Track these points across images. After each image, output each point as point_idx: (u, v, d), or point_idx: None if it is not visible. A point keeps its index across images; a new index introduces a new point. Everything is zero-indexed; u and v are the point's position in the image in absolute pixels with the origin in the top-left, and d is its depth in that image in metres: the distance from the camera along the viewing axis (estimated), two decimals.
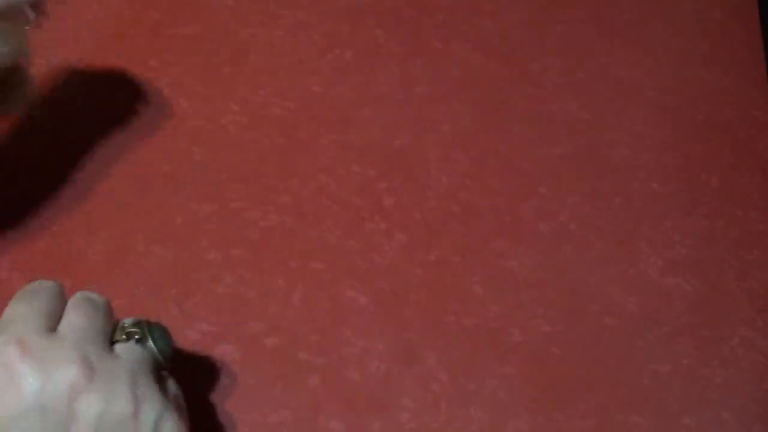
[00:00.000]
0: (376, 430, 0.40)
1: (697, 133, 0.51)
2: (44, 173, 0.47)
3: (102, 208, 0.46)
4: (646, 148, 0.50)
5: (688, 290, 0.45)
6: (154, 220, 0.45)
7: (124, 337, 0.33)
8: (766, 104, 0.52)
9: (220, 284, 0.43)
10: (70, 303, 0.33)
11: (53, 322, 0.32)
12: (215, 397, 0.40)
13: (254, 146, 0.48)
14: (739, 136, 0.51)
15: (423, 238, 0.46)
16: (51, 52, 0.51)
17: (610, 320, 0.44)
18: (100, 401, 0.30)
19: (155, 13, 0.54)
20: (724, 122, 0.51)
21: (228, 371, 0.41)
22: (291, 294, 0.43)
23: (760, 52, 0.54)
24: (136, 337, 0.33)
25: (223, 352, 0.41)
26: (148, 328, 0.34)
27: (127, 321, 0.34)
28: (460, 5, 0.55)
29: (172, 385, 0.34)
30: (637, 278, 0.45)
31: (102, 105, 0.49)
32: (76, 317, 0.32)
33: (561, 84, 0.52)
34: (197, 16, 0.54)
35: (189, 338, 0.41)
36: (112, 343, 0.33)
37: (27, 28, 0.33)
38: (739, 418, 0.41)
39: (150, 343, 0.34)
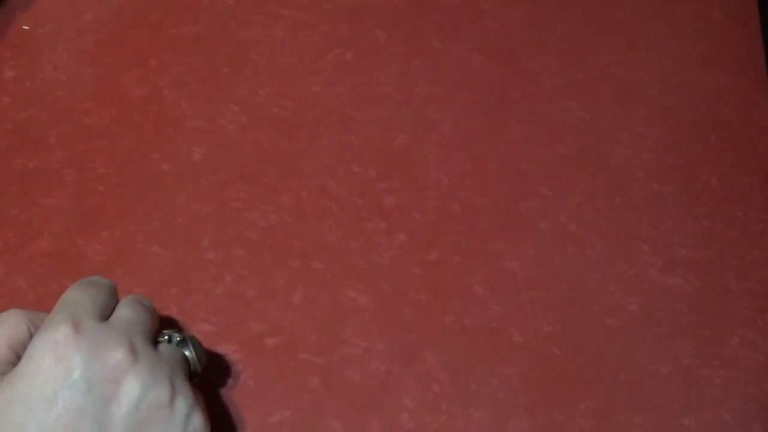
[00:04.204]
0: (376, 430, 0.40)
1: (697, 133, 0.51)
2: (44, 173, 0.47)
3: (102, 208, 0.46)
4: (646, 148, 0.50)
5: (688, 290, 0.45)
6: (154, 220, 0.45)
7: (166, 338, 0.36)
8: (766, 104, 0.52)
9: (220, 284, 0.44)
10: (121, 302, 0.36)
11: (106, 313, 0.34)
12: (215, 397, 0.40)
13: (254, 146, 0.48)
14: (739, 136, 0.51)
15: (423, 238, 0.46)
16: (51, 52, 0.51)
17: (610, 320, 0.44)
18: (140, 385, 0.32)
19: (155, 13, 0.54)
20: (724, 122, 0.51)
21: (228, 371, 0.41)
22: (291, 294, 0.43)
23: (760, 52, 0.54)
24: (177, 339, 0.37)
25: (223, 352, 0.41)
26: (188, 337, 0.37)
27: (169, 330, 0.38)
28: (460, 5, 0.55)
29: (198, 393, 0.36)
30: (637, 278, 0.45)
31: (101, 105, 0.49)
32: (126, 311, 0.35)
33: (561, 84, 0.52)
34: (197, 16, 0.54)
35: None
36: (155, 343, 0.35)
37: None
38: (739, 418, 0.41)
39: (189, 348, 0.37)
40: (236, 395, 0.40)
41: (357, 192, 0.47)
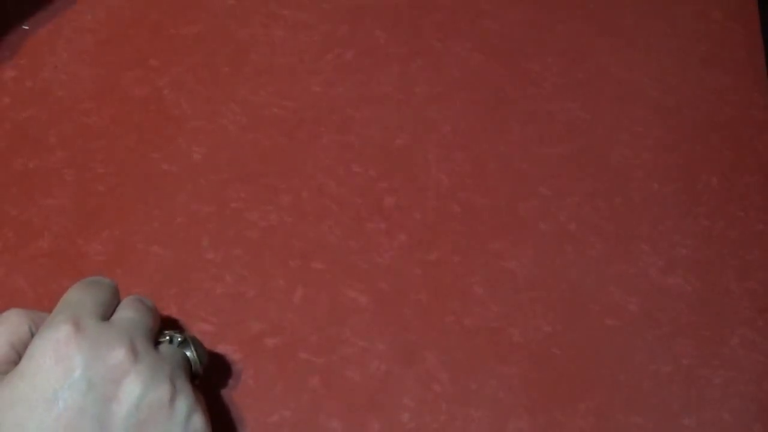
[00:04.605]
0: (376, 430, 0.40)
1: (697, 133, 0.51)
2: (44, 173, 0.47)
3: (102, 208, 0.46)
4: (646, 148, 0.50)
5: (688, 290, 0.45)
6: (154, 220, 0.45)
7: (167, 338, 0.36)
8: (766, 104, 0.52)
9: (220, 284, 0.44)
10: (123, 302, 0.36)
11: (107, 313, 0.35)
12: (215, 397, 0.40)
13: (254, 146, 0.48)
14: (739, 136, 0.51)
15: (423, 238, 0.46)
16: (51, 52, 0.51)
17: (610, 320, 0.44)
18: (141, 385, 0.32)
19: (155, 13, 0.54)
20: (724, 122, 0.51)
21: (228, 371, 0.41)
22: (291, 294, 0.43)
23: (760, 52, 0.54)
24: (179, 339, 0.37)
25: (223, 352, 0.41)
26: (189, 337, 0.37)
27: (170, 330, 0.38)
28: (460, 5, 0.55)
29: (199, 394, 0.36)
30: (637, 278, 0.45)
31: (101, 105, 0.49)
32: (128, 311, 0.35)
33: (561, 84, 0.52)
34: (197, 16, 0.54)
35: None
36: (156, 343, 0.36)
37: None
38: (739, 418, 0.41)
39: (190, 349, 0.37)
40: (236, 395, 0.40)
41: (357, 192, 0.47)
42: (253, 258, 0.44)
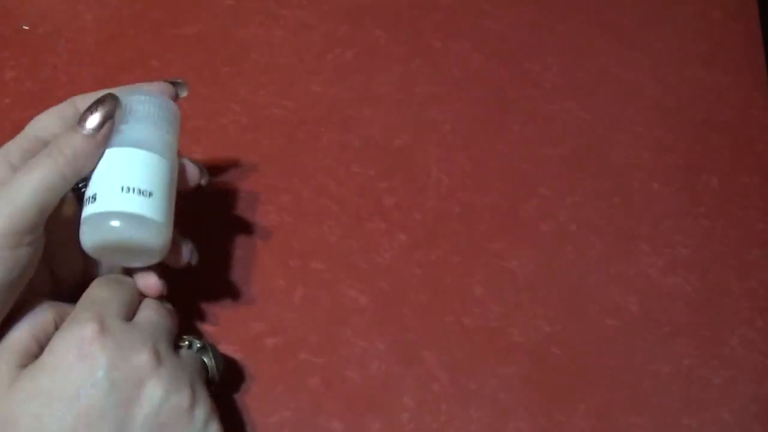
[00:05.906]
0: (376, 430, 0.40)
1: (697, 133, 0.51)
2: None
3: None
4: (646, 148, 0.50)
5: (688, 290, 0.45)
6: None
7: (186, 344, 0.36)
8: (766, 104, 0.52)
9: (220, 284, 0.43)
10: (145, 302, 0.36)
11: (130, 314, 0.34)
12: (215, 397, 0.40)
13: (254, 146, 0.48)
14: (739, 136, 0.51)
15: (423, 238, 0.46)
16: (51, 52, 0.51)
17: (610, 320, 0.44)
18: (162, 389, 0.32)
19: (155, 13, 0.54)
20: (724, 122, 0.51)
21: (228, 371, 0.41)
22: (291, 294, 0.43)
23: (760, 52, 0.54)
24: (198, 345, 0.37)
25: (223, 352, 0.41)
26: (208, 344, 0.37)
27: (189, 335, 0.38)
28: (460, 5, 0.55)
29: (213, 401, 0.36)
30: (637, 278, 0.45)
31: None
32: (150, 313, 0.35)
33: (561, 84, 0.52)
34: (197, 16, 0.54)
35: None
36: (176, 347, 0.36)
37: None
38: (739, 418, 0.41)
39: (209, 355, 0.37)
40: (236, 395, 0.40)
41: (357, 192, 0.47)
42: (253, 258, 0.44)
